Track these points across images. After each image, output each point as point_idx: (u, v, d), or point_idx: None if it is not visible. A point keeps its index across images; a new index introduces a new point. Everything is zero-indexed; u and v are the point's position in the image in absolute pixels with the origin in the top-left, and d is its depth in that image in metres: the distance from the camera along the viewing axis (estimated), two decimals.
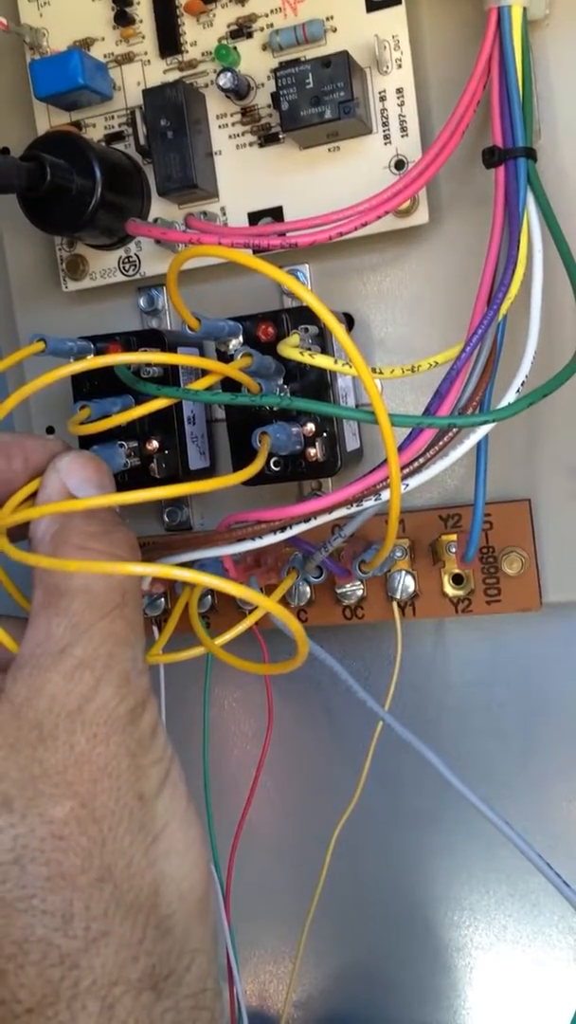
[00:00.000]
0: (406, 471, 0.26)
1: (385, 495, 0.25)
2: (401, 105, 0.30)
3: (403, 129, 0.30)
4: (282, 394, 0.29)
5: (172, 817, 0.21)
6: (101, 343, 0.31)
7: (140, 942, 0.19)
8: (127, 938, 0.19)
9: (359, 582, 0.33)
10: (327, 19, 0.30)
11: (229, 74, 0.30)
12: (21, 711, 0.20)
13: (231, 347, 0.29)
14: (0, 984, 0.17)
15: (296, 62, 0.29)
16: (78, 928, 0.18)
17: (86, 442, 0.31)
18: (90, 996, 0.18)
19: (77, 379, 0.31)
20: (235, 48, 0.31)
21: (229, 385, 0.28)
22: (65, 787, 0.19)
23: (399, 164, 0.30)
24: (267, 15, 0.31)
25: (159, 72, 0.32)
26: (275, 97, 0.30)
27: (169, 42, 0.32)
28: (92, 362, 0.24)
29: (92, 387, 0.31)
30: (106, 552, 0.22)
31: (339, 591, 0.33)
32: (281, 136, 0.31)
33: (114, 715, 0.20)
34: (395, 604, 0.33)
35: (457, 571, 0.32)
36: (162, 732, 0.22)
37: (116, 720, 0.20)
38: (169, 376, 0.31)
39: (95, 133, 0.33)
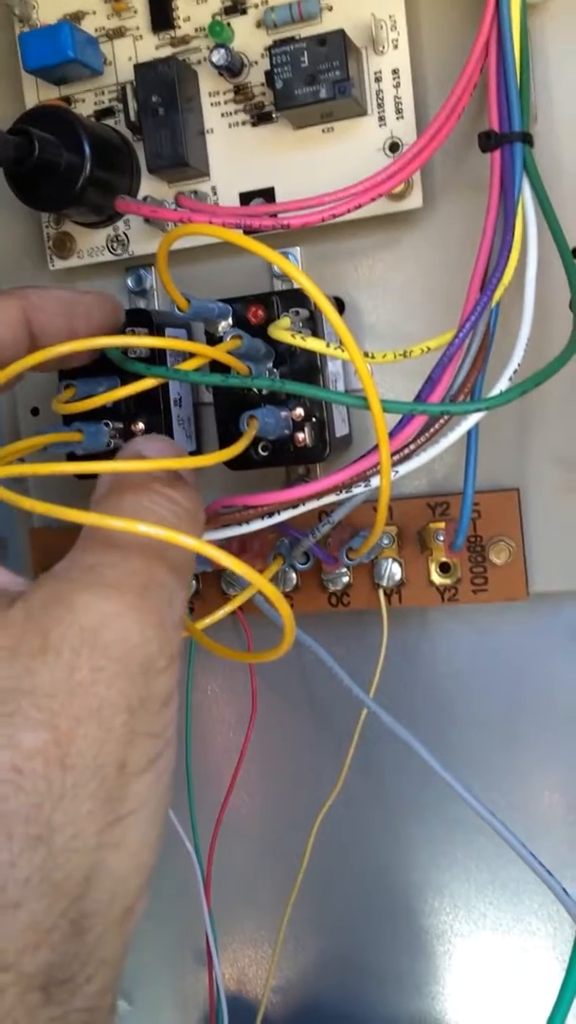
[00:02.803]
0: (396, 458, 0.25)
1: (375, 482, 0.25)
2: (397, 86, 0.30)
3: (398, 111, 0.30)
4: (272, 377, 0.29)
5: (143, 806, 0.18)
6: None
7: (49, 931, 0.16)
8: (37, 920, 0.16)
9: (346, 569, 0.33)
10: None
11: (222, 51, 0.30)
12: (34, 614, 0.17)
13: (220, 329, 0.28)
14: None
15: (291, 40, 0.29)
16: None
17: (71, 421, 0.30)
18: None
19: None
20: (229, 24, 0.31)
21: (218, 368, 0.28)
22: (47, 714, 0.16)
23: (393, 146, 0.30)
24: None
25: (151, 47, 0.32)
26: (269, 75, 0.30)
27: (162, 17, 0.32)
28: (78, 344, 0.24)
29: (77, 366, 0.30)
30: (166, 499, 0.20)
31: (325, 578, 0.33)
32: (274, 115, 0.31)
33: (130, 654, 0.17)
34: (381, 592, 0.33)
35: (444, 559, 0.32)
36: (172, 709, 0.19)
37: (129, 661, 0.17)
38: (156, 357, 0.30)
39: (85, 108, 0.33)
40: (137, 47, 0.32)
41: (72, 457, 0.31)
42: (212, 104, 0.32)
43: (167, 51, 0.32)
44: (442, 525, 0.31)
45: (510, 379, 0.26)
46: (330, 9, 0.30)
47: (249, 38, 0.31)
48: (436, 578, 0.32)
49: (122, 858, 0.17)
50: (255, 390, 0.29)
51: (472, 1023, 0.39)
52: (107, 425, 0.30)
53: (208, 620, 0.28)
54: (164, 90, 0.30)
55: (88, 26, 0.32)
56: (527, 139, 0.27)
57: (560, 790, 0.36)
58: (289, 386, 0.25)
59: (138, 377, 0.26)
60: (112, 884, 0.17)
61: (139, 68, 0.30)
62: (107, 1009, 0.17)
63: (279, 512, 0.25)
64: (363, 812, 0.38)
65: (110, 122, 0.32)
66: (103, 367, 0.28)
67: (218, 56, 0.30)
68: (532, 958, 0.38)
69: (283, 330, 0.26)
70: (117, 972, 0.17)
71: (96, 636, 0.17)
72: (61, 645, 0.17)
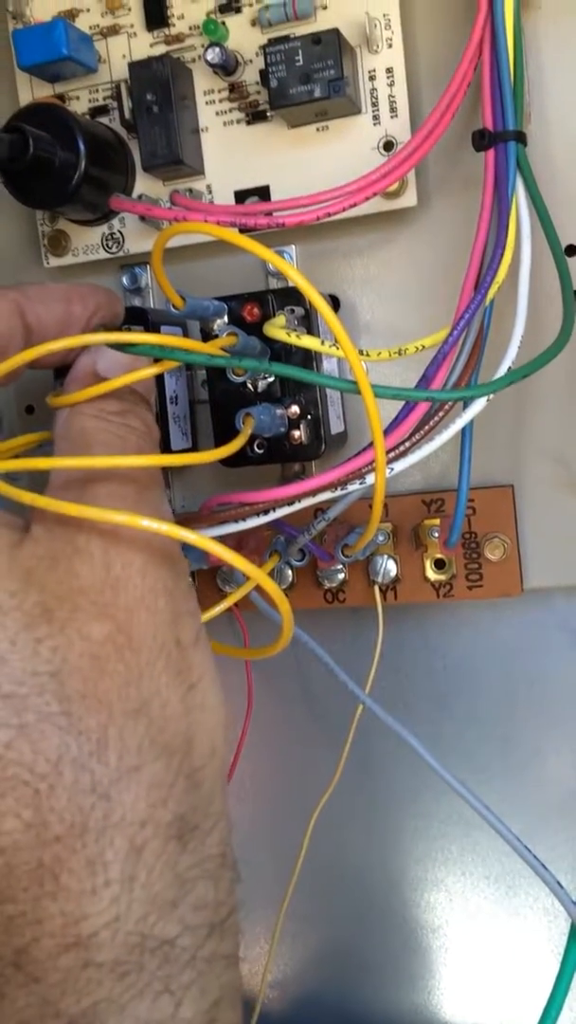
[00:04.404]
0: (391, 455, 0.26)
1: (370, 479, 0.25)
2: (391, 85, 0.30)
3: (392, 110, 0.30)
4: (260, 359, 0.29)
5: (206, 672, 0.20)
6: None
7: (171, 786, 0.18)
8: (159, 778, 0.18)
9: (341, 566, 0.33)
10: None
11: (217, 49, 0.30)
12: (54, 530, 0.19)
13: (216, 327, 0.28)
14: (31, 806, 0.16)
15: (285, 39, 0.29)
16: (111, 756, 0.17)
17: None
18: (119, 832, 0.17)
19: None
20: (223, 23, 0.31)
21: (212, 368, 0.28)
22: (102, 607, 0.18)
23: (388, 145, 0.30)
24: None
25: (145, 45, 0.32)
26: (263, 74, 0.30)
27: (156, 15, 0.32)
28: (73, 340, 0.24)
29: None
30: (119, 425, 0.22)
31: (321, 575, 0.33)
32: (269, 114, 0.31)
33: (150, 545, 0.19)
34: (377, 588, 0.33)
35: (439, 556, 0.32)
36: (193, 587, 0.21)
37: (153, 551, 0.19)
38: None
39: (79, 106, 0.33)
40: (131, 45, 0.32)
41: None
42: (207, 102, 0.32)
43: (161, 49, 0.32)
44: (437, 522, 0.32)
45: None
46: (324, 8, 0.30)
47: (243, 37, 0.31)
48: (431, 574, 0.32)
49: (208, 716, 0.20)
50: (250, 388, 0.29)
51: (468, 1016, 0.39)
52: None
53: (204, 616, 0.28)
54: (159, 88, 0.30)
55: (82, 24, 0.32)
56: (521, 138, 0.27)
57: (554, 784, 0.36)
58: (275, 367, 0.25)
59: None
60: (209, 739, 0.19)
61: (133, 66, 0.30)
62: (232, 860, 0.19)
63: (275, 509, 0.26)
64: (359, 807, 0.38)
65: (104, 120, 0.33)
66: None
67: (212, 54, 0.30)
68: (527, 952, 0.38)
69: (278, 328, 0.26)
70: (230, 827, 0.20)
71: (116, 539, 0.19)
72: (90, 548, 0.19)
